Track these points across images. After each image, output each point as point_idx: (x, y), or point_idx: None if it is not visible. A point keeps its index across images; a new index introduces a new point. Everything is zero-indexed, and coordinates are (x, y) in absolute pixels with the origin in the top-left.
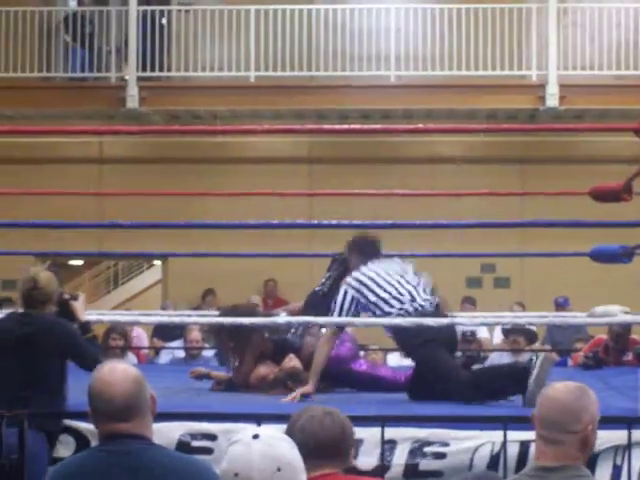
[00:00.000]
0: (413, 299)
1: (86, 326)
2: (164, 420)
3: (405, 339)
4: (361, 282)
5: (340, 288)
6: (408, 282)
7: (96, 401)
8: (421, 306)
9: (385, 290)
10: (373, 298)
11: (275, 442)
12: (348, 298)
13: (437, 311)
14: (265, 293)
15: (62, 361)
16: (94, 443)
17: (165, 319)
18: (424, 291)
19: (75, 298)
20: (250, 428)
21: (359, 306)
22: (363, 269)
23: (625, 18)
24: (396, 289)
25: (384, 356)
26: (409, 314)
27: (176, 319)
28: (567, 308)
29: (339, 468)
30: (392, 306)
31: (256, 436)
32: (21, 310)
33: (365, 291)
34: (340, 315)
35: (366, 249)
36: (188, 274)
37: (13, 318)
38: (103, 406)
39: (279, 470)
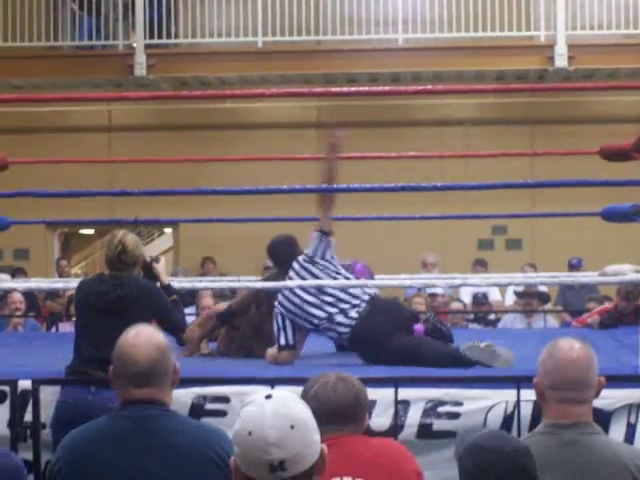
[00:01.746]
0: (352, 302)
1: (169, 289)
2: (177, 385)
3: (365, 347)
4: (295, 304)
5: (275, 312)
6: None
7: (120, 363)
8: (363, 302)
9: (321, 307)
10: (315, 321)
11: (288, 401)
12: (287, 322)
13: (378, 299)
14: None
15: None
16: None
17: (176, 284)
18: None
19: (157, 261)
20: (263, 390)
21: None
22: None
23: None
24: (334, 298)
25: None
26: (355, 319)
27: (187, 284)
28: (580, 269)
29: (353, 432)
30: (340, 323)
31: (269, 396)
32: (108, 273)
33: (305, 309)
34: (286, 336)
35: (284, 256)
36: (199, 241)
37: (104, 280)
38: (126, 369)
39: (292, 428)
